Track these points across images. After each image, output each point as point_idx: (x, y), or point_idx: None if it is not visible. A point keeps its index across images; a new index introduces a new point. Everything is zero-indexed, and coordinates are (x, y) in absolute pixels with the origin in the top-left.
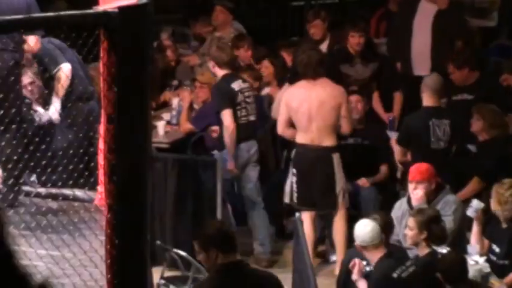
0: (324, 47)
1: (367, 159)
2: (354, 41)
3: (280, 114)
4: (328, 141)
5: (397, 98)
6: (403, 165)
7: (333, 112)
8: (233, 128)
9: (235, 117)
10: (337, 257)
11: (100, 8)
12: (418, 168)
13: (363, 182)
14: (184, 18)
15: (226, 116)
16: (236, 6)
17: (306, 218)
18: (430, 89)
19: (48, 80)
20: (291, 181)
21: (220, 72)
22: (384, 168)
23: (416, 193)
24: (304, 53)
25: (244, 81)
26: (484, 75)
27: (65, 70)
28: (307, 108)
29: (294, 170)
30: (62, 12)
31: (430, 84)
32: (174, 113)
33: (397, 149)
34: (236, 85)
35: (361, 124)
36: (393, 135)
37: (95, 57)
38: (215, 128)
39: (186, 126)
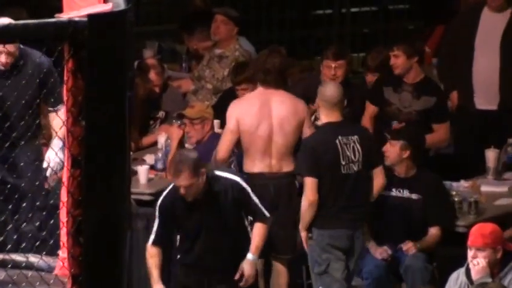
0: None
1: (415, 217)
2: (391, 62)
3: (225, 134)
4: (289, 167)
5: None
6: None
7: (296, 128)
8: None
9: None
10: None
11: (64, 16)
12: (480, 230)
13: (408, 246)
14: (177, 30)
15: None
16: (245, 16)
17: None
18: (330, 103)
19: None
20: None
21: None
22: (434, 231)
23: (477, 263)
24: (268, 58)
25: None
26: None
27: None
28: (266, 128)
29: None
30: (14, 22)
31: (328, 97)
32: (159, 155)
33: (309, 184)
34: None
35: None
36: None
37: None
38: None
39: None
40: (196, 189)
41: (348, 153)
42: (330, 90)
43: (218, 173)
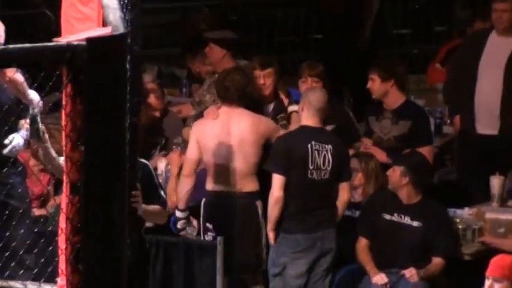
0: None
1: (415, 244)
2: (368, 86)
3: (188, 153)
4: (250, 186)
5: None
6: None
7: (256, 148)
8: None
9: None
10: None
11: (62, 39)
12: (499, 261)
13: (411, 273)
14: (176, 54)
15: None
16: (247, 40)
17: None
18: (314, 107)
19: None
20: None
21: None
22: (438, 260)
23: None
24: (228, 75)
25: None
26: None
27: None
28: (225, 148)
29: (210, 225)
30: (11, 46)
31: (313, 101)
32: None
33: (275, 181)
34: None
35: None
36: None
37: (55, 106)
38: None
39: (176, 198)
40: None
41: (318, 159)
42: (315, 95)
43: None
